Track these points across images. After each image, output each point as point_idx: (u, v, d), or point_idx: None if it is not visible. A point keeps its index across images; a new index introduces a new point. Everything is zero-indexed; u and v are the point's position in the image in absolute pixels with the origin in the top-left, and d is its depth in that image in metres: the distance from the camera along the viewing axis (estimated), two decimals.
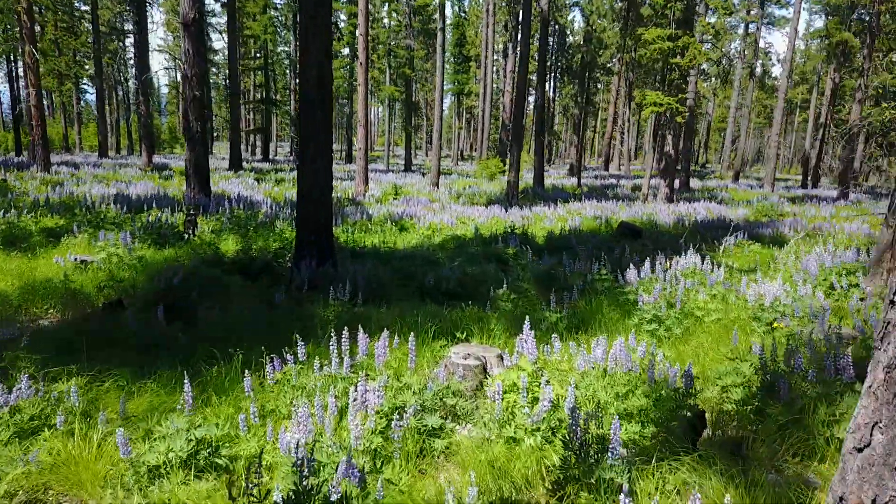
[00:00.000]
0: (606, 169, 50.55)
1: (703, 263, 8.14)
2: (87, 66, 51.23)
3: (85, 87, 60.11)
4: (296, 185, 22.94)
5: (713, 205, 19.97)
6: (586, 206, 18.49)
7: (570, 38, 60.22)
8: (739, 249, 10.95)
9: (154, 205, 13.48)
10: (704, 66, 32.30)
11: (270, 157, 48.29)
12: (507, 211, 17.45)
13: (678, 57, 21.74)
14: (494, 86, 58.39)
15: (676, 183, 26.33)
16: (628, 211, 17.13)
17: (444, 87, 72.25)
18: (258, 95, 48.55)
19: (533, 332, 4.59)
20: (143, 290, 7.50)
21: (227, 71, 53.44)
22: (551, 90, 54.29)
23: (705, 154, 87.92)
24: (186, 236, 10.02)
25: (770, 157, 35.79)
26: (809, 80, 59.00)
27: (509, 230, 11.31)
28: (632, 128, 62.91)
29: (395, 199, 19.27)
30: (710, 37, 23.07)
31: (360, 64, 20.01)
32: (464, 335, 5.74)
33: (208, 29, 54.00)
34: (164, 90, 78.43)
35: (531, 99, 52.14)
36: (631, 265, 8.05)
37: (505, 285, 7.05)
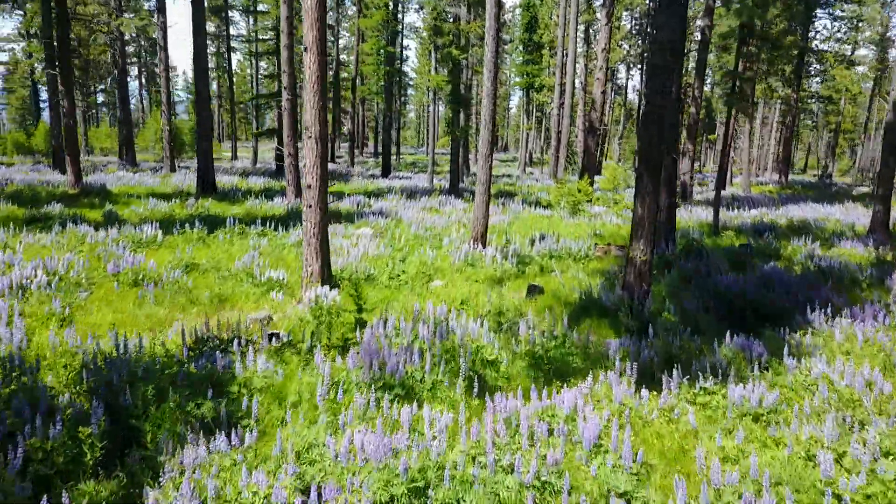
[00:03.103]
0: (722, 187, 37.23)
1: None
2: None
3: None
4: (287, 229, 11.98)
5: None
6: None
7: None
8: None
9: None
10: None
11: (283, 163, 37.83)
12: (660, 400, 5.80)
13: None
14: (576, 79, 45.87)
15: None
16: None
17: (512, 80, 60.22)
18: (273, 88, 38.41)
19: None
20: None
21: (254, 61, 43.48)
22: (638, 82, 41.40)
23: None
24: None
25: None
26: None
27: None
28: (752, 131, 48.90)
29: (365, 311, 7.85)
30: None
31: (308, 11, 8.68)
32: None
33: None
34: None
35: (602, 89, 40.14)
36: None
37: None
